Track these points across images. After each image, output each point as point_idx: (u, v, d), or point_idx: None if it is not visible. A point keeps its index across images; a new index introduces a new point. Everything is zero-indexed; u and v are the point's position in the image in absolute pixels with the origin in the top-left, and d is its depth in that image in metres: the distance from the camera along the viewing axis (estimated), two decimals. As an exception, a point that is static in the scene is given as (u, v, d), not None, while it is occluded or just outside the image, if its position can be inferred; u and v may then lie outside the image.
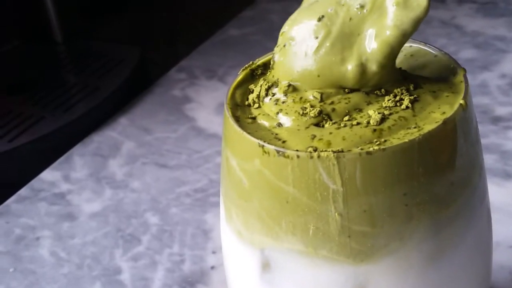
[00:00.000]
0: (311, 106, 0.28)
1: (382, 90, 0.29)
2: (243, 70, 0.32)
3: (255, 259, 0.30)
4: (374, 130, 0.27)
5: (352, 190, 0.27)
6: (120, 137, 0.61)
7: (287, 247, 0.29)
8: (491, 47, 0.67)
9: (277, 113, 0.29)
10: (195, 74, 0.70)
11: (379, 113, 0.28)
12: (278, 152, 0.27)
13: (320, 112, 0.28)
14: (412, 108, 0.28)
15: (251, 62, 0.33)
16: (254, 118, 0.29)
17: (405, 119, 0.28)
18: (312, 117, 0.28)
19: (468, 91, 0.29)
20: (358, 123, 0.28)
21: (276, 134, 0.28)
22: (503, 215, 0.46)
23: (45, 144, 0.60)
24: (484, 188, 0.31)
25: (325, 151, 0.26)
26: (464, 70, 0.30)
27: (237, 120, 0.29)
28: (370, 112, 0.28)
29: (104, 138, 0.61)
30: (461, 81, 0.30)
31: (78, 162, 0.59)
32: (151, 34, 0.83)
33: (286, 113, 0.29)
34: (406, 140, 0.26)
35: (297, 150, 0.27)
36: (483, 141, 0.53)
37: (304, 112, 0.28)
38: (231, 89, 0.31)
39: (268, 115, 0.29)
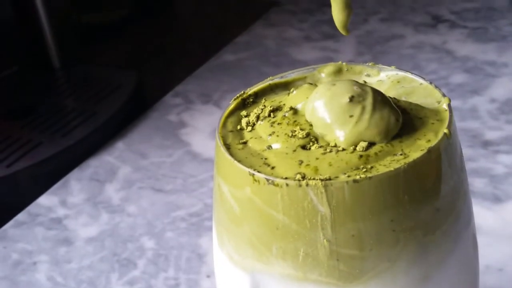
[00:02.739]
0: (301, 129, 0.29)
1: None
2: (235, 99, 0.33)
3: (246, 283, 0.31)
4: (361, 156, 0.28)
5: (340, 217, 0.28)
6: (117, 161, 0.62)
7: (278, 271, 0.29)
8: (481, 72, 0.68)
9: (270, 134, 0.30)
10: (191, 99, 0.71)
11: (365, 140, 0.29)
12: (268, 180, 0.28)
13: (308, 134, 0.29)
14: (399, 134, 0.29)
15: (242, 92, 0.34)
16: (245, 143, 0.30)
17: (392, 145, 0.29)
18: (300, 138, 0.29)
19: (452, 120, 0.30)
20: (343, 149, 0.29)
21: (266, 159, 0.29)
22: (493, 239, 0.47)
23: (43, 169, 0.61)
24: (469, 213, 0.32)
25: (313, 179, 0.27)
26: (449, 99, 0.31)
27: (228, 147, 0.30)
28: None
29: (100, 162, 0.62)
30: (446, 110, 0.31)
31: (75, 187, 0.59)
32: (148, 59, 0.84)
33: (277, 135, 0.30)
34: (392, 169, 0.27)
35: (286, 178, 0.27)
36: (473, 165, 0.55)
37: (293, 134, 0.29)
38: (223, 117, 0.32)
39: (260, 137, 0.30)
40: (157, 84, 0.77)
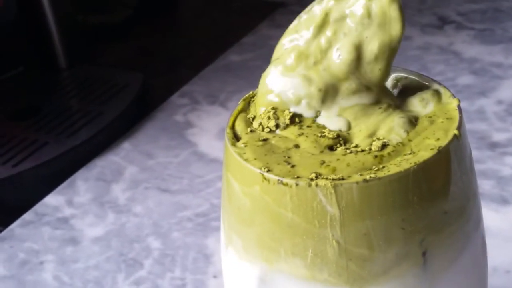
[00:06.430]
0: (330, 131, 0.30)
1: None
2: (243, 100, 0.33)
3: (254, 282, 0.31)
4: (376, 156, 0.28)
5: (349, 218, 0.28)
6: (123, 162, 0.62)
7: (287, 269, 0.29)
8: (488, 74, 0.68)
9: (299, 135, 0.30)
10: (197, 100, 0.71)
11: (379, 139, 0.29)
12: (277, 180, 0.28)
13: (337, 136, 0.29)
14: (408, 133, 0.29)
15: (251, 92, 0.33)
16: (265, 140, 0.30)
17: (403, 144, 0.29)
18: (330, 138, 0.29)
19: (462, 121, 0.30)
20: (362, 150, 0.29)
21: (289, 157, 0.29)
22: (500, 241, 0.47)
23: (49, 169, 0.61)
24: (479, 215, 0.32)
25: (323, 178, 0.27)
26: (458, 100, 0.31)
27: (244, 144, 0.30)
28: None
29: (107, 163, 0.62)
30: (455, 109, 0.31)
31: (81, 186, 0.59)
32: (154, 60, 0.84)
33: (306, 136, 0.30)
34: (402, 170, 0.27)
35: (297, 177, 0.27)
36: (480, 166, 0.54)
37: (322, 134, 0.30)
38: (232, 117, 0.32)
39: (286, 138, 0.30)
40: (163, 85, 0.77)
